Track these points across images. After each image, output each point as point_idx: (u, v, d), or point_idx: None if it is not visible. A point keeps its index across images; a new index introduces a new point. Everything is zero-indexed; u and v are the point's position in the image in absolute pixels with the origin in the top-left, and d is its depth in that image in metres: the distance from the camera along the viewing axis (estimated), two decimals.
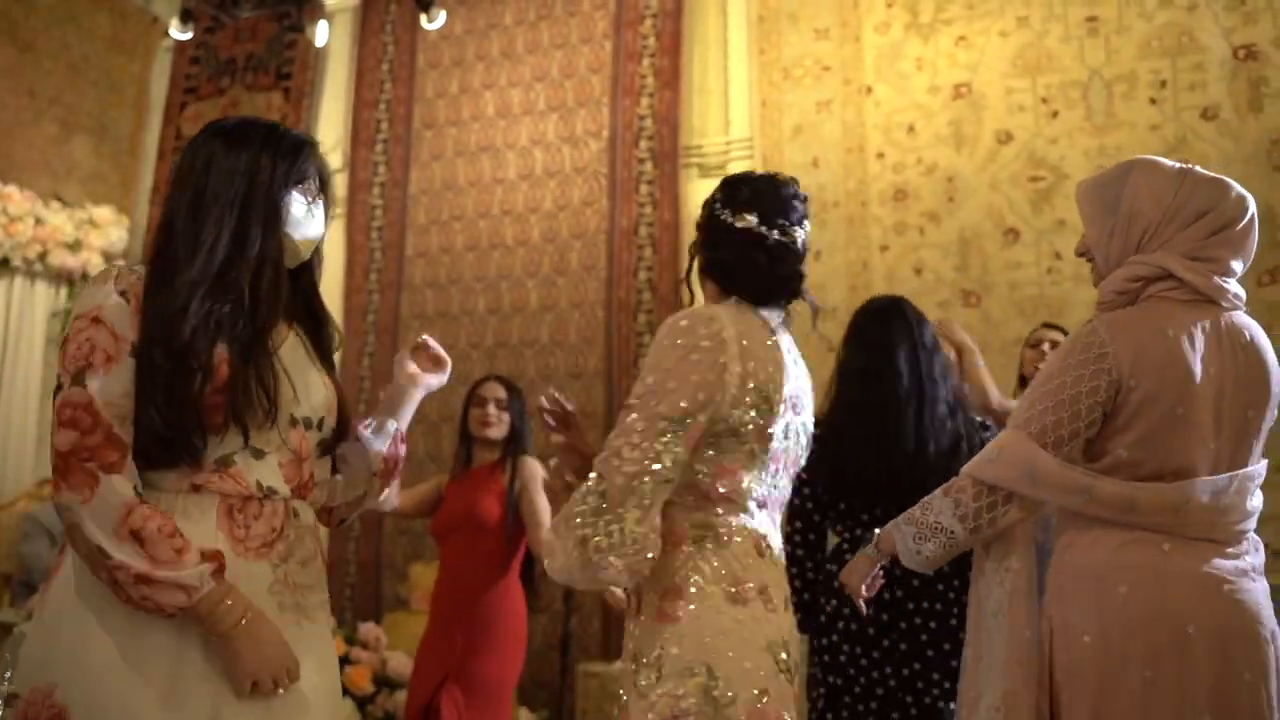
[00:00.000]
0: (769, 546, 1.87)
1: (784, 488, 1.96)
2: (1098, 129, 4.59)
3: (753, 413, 1.83)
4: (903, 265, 4.75)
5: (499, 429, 3.52)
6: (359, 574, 5.63)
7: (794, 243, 1.92)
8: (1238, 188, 1.96)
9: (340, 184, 6.08)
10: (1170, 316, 1.91)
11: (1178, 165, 1.98)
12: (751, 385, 1.82)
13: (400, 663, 3.94)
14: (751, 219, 1.91)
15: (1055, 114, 4.65)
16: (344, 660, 3.90)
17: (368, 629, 4.04)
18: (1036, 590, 2.02)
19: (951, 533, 1.99)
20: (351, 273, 5.95)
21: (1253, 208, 1.96)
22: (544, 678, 4.69)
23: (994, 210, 4.66)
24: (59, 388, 1.54)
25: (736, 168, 5.17)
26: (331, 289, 5.96)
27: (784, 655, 1.80)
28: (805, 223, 1.96)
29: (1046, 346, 3.39)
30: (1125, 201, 1.95)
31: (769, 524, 1.91)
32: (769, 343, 1.88)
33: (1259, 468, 1.97)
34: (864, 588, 2.19)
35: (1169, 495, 1.87)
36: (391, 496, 2.47)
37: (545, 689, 4.69)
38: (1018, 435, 1.97)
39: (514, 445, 3.53)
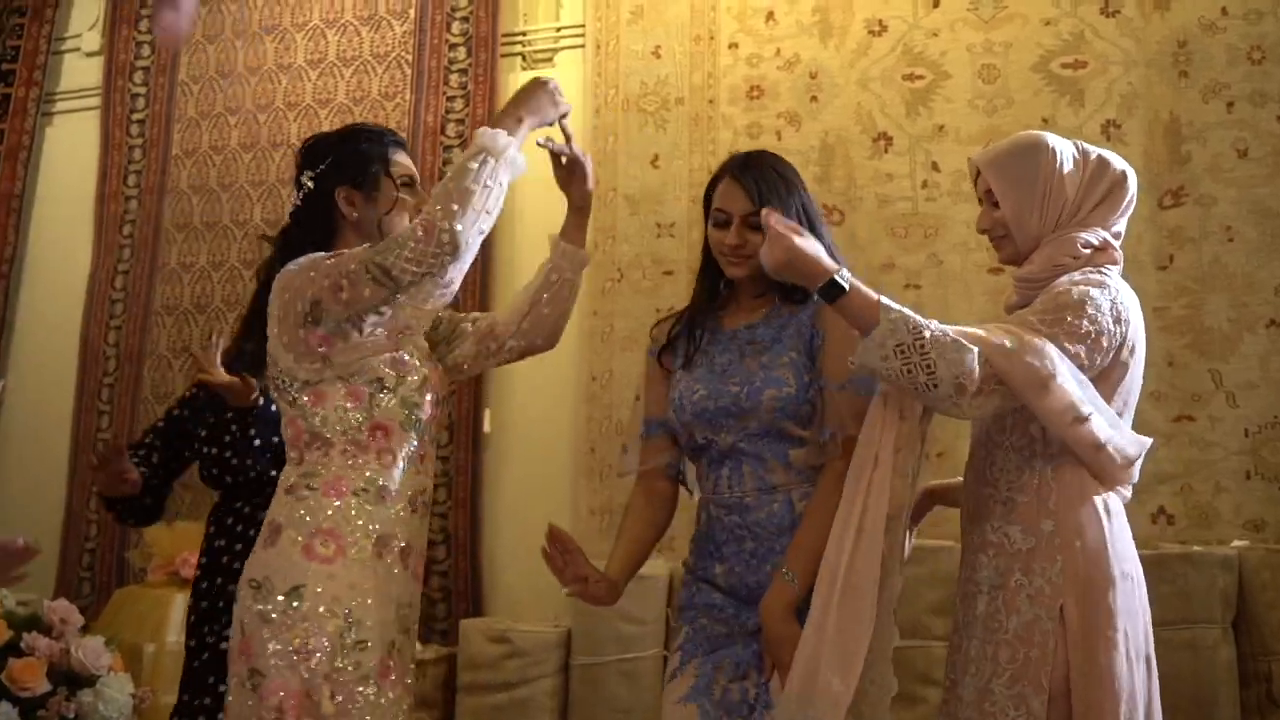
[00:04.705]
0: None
1: None
2: (984, 22, 3.91)
3: None
4: None
5: None
6: (101, 537, 4.65)
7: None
8: (1120, 160, 1.99)
9: (96, 69, 5.07)
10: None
11: (1074, 143, 1.98)
12: None
13: (94, 651, 3.02)
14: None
15: (936, 2, 3.95)
16: (11, 648, 2.95)
17: (55, 607, 3.11)
18: None
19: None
20: (106, 175, 4.93)
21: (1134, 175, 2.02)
22: None
23: (863, 112, 3.95)
24: None
25: (566, 58, 4.40)
26: (83, 194, 4.95)
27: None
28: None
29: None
30: (1041, 180, 1.93)
31: None
32: None
33: None
34: None
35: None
36: None
37: None
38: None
39: None
